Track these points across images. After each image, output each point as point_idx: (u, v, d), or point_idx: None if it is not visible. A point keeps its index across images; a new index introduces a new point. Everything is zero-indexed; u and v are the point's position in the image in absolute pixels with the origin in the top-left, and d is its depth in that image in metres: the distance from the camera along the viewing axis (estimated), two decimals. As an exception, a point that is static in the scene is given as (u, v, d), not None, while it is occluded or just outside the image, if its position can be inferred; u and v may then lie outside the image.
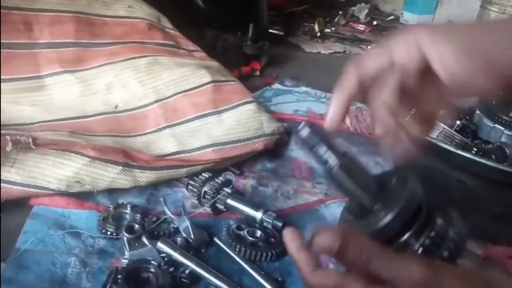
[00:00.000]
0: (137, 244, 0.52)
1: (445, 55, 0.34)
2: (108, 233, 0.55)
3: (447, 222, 0.30)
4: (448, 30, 0.36)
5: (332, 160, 0.30)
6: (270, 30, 1.42)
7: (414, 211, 0.29)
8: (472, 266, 0.55)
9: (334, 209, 0.61)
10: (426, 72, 0.35)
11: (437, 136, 0.82)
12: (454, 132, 0.84)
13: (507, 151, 0.81)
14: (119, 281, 0.47)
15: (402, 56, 0.36)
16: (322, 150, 0.31)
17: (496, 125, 0.89)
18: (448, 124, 0.85)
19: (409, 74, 0.36)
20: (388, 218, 0.28)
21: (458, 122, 0.89)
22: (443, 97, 0.39)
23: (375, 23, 1.96)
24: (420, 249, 0.28)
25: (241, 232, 0.57)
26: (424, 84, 0.37)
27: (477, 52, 0.35)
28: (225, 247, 0.55)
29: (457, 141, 0.83)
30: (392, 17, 2.13)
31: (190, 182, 0.64)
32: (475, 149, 0.84)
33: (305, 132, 0.31)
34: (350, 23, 1.91)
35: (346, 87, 0.37)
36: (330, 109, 0.37)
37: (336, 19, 1.90)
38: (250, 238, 0.56)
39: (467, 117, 0.92)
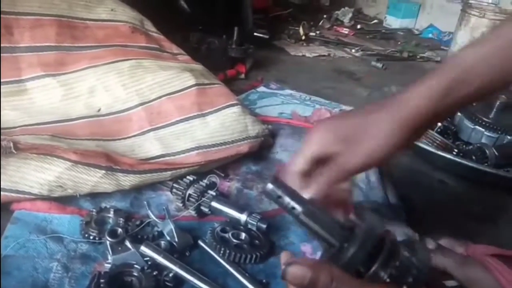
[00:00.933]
0: (120, 248, 0.52)
1: None
2: (91, 237, 0.55)
3: (410, 250, 0.33)
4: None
5: (297, 207, 0.33)
6: (255, 34, 1.42)
7: (376, 243, 0.31)
8: (454, 265, 0.56)
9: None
10: None
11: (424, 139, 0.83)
12: (436, 134, 0.86)
13: (487, 152, 0.82)
14: (101, 285, 0.47)
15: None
16: (286, 200, 0.34)
17: (477, 127, 0.91)
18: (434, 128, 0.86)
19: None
20: (351, 251, 0.30)
21: (439, 124, 0.91)
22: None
23: (359, 26, 1.98)
24: (387, 279, 0.31)
25: (226, 235, 0.57)
26: None
27: None
28: (209, 250, 0.55)
29: (438, 142, 0.84)
30: (375, 21, 2.16)
31: (174, 185, 0.64)
32: (456, 150, 0.85)
33: (269, 186, 0.34)
34: (335, 27, 1.93)
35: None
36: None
37: (320, 23, 1.92)
38: (234, 240, 0.56)
39: (448, 119, 0.94)
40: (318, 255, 0.55)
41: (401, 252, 0.32)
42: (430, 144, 0.83)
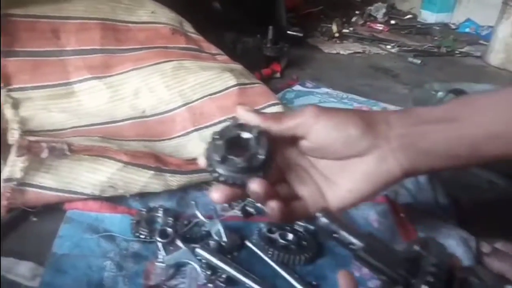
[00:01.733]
0: (171, 248, 0.53)
1: None
2: (142, 236, 0.56)
3: (477, 276, 0.31)
4: None
5: (356, 242, 0.32)
6: (289, 32, 1.41)
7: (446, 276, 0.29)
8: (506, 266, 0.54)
9: (365, 211, 0.61)
10: None
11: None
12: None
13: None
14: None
15: None
16: (342, 235, 0.32)
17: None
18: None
19: None
20: None
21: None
22: None
23: (393, 22, 1.94)
24: None
25: (273, 235, 0.57)
26: None
27: None
28: (257, 250, 0.55)
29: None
30: (409, 16, 2.11)
31: (219, 185, 0.64)
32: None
33: (323, 220, 0.33)
34: (368, 23, 1.89)
35: None
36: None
37: (353, 19, 1.89)
38: (282, 241, 0.56)
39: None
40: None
41: (471, 280, 0.30)
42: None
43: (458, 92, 0.91)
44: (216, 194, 0.40)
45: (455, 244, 0.53)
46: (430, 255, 0.30)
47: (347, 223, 0.33)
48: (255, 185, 0.38)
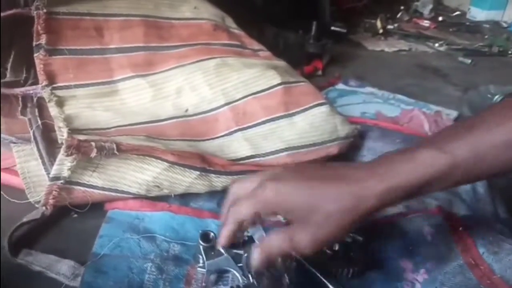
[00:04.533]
0: (213, 253, 0.51)
1: None
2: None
3: None
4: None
5: None
6: (332, 28, 1.37)
7: None
8: None
9: (417, 223, 0.57)
10: None
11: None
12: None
13: None
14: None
15: None
16: None
17: None
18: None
19: None
20: None
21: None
22: None
23: (440, 19, 1.85)
24: None
25: (318, 244, 0.54)
26: None
27: None
28: (301, 259, 0.53)
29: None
30: (458, 12, 2.01)
31: (262, 188, 0.62)
32: None
33: None
34: (414, 19, 1.82)
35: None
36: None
37: (398, 15, 1.82)
38: (328, 251, 0.53)
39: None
40: (420, 272, 0.51)
41: None
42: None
43: (516, 96, 0.84)
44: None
45: (520, 261, 0.49)
46: None
47: None
48: None
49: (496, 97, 0.87)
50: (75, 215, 0.59)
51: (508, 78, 1.25)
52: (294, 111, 0.70)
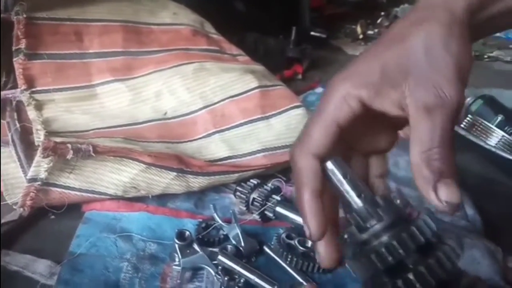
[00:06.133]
0: (188, 251, 0.52)
1: None
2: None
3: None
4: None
5: None
6: (312, 33, 1.40)
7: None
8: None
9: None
10: None
11: (496, 144, 0.77)
12: (512, 138, 0.79)
13: None
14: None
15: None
16: None
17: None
18: (508, 131, 0.79)
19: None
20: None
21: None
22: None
23: (419, 24, 1.89)
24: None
25: (292, 241, 0.56)
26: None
27: None
28: (275, 257, 0.54)
29: (515, 147, 0.78)
30: (436, 17, 2.06)
31: (238, 188, 0.64)
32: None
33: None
34: (393, 25, 1.86)
35: (306, 185, 0.34)
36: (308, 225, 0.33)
37: (379, 21, 1.85)
38: (301, 247, 0.55)
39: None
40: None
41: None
42: (508, 152, 0.76)
43: (488, 98, 0.88)
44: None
45: (480, 255, 0.51)
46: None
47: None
48: None
49: (468, 99, 0.90)
50: (52, 216, 0.60)
51: (482, 81, 1.29)
52: (270, 113, 0.72)
